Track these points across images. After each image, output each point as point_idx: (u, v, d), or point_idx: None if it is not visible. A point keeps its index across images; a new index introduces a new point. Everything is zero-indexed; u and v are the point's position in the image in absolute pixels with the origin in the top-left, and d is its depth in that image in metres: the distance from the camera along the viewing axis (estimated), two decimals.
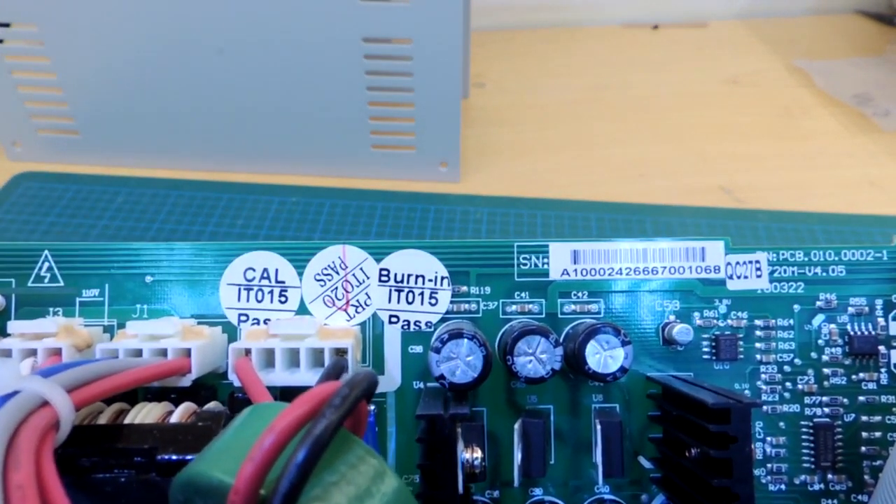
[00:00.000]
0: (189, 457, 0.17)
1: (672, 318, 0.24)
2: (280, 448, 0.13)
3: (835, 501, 0.24)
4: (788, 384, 0.24)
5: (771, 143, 0.51)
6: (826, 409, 0.24)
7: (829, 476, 0.24)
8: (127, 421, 0.19)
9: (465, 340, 0.20)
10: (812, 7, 0.71)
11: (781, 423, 0.24)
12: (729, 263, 0.24)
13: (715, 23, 0.69)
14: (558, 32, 0.67)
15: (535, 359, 0.20)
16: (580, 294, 0.24)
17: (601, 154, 0.50)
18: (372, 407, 0.22)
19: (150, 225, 0.43)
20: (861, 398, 0.24)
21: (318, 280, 0.24)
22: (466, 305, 0.24)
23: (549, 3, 0.68)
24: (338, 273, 0.24)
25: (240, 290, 0.24)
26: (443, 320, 0.24)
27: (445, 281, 0.24)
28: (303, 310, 0.24)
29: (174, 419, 0.19)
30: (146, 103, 0.45)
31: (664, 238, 0.24)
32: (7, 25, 0.43)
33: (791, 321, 0.24)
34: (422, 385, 0.24)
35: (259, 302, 0.24)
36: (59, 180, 0.46)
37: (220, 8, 0.41)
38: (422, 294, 0.24)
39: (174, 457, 0.17)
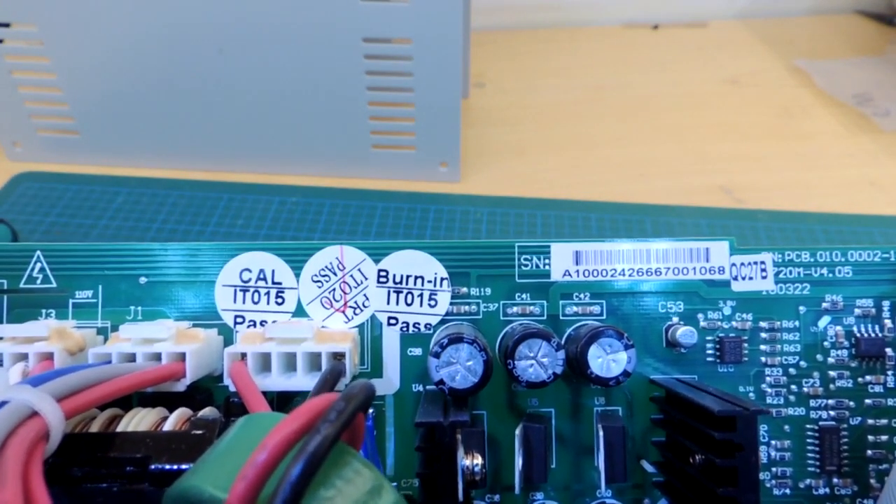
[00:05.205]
0: (183, 466, 0.16)
1: (675, 319, 0.24)
2: (273, 465, 0.12)
3: None
4: (794, 387, 0.23)
5: (771, 143, 0.51)
6: (832, 413, 0.23)
7: (835, 480, 0.23)
8: (120, 428, 0.18)
9: (465, 345, 0.20)
10: (812, 7, 0.71)
11: (786, 427, 0.23)
12: (734, 264, 0.24)
13: (715, 23, 0.68)
14: (558, 32, 0.67)
15: (537, 362, 0.20)
16: (582, 295, 0.24)
17: (601, 154, 0.49)
18: (370, 410, 0.22)
19: (150, 225, 0.42)
20: (867, 401, 0.23)
21: (316, 281, 0.23)
22: (466, 307, 0.23)
23: (549, 3, 0.68)
24: (335, 274, 0.23)
25: (236, 291, 0.23)
26: (442, 322, 0.23)
27: (445, 282, 0.23)
28: (300, 311, 0.23)
29: (168, 426, 0.18)
30: (146, 103, 0.44)
31: (668, 238, 0.24)
32: (7, 25, 0.42)
33: (796, 323, 0.24)
34: (421, 388, 0.23)
35: (255, 303, 0.23)
36: (59, 180, 0.46)
37: (220, 8, 0.40)
38: (421, 295, 0.23)
39: (167, 466, 0.16)
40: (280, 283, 0.23)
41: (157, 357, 0.20)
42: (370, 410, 0.22)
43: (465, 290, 0.23)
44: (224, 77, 0.43)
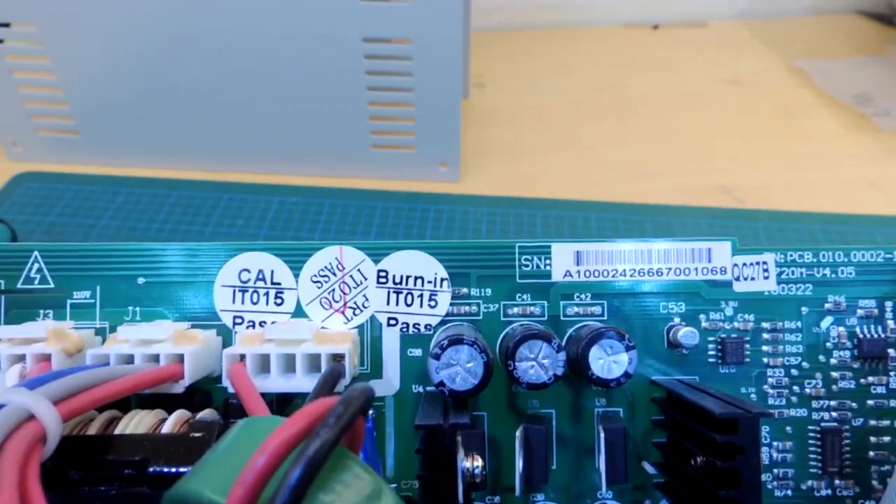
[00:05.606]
0: (181, 469, 0.16)
1: (677, 320, 0.23)
2: (272, 469, 0.12)
3: None
4: (796, 388, 0.23)
5: (771, 143, 0.50)
6: (834, 414, 0.23)
7: (837, 482, 0.23)
8: (118, 430, 0.18)
9: (466, 346, 0.20)
10: (812, 7, 0.71)
11: (788, 428, 0.23)
12: (736, 265, 0.24)
13: (715, 23, 0.68)
14: (558, 32, 0.67)
15: (538, 364, 0.20)
16: (583, 296, 0.23)
17: (601, 154, 0.49)
18: (370, 412, 0.22)
19: (150, 225, 0.42)
20: (870, 402, 0.23)
21: (315, 282, 0.23)
22: (467, 308, 0.23)
23: (549, 3, 0.68)
24: (335, 274, 0.23)
25: (234, 291, 0.23)
26: (442, 323, 0.23)
27: (445, 282, 0.23)
28: (299, 312, 0.23)
29: (167, 428, 0.18)
30: (146, 103, 0.44)
31: (669, 239, 0.23)
32: (7, 25, 0.42)
33: (799, 324, 0.24)
34: (421, 389, 0.23)
35: (254, 304, 0.23)
36: (59, 180, 0.46)
37: (220, 8, 0.40)
38: (421, 296, 0.23)
39: (166, 469, 0.16)
40: (279, 284, 0.23)
41: (156, 358, 0.20)
42: (370, 412, 0.22)
43: (465, 290, 0.23)
44: (224, 77, 0.43)
